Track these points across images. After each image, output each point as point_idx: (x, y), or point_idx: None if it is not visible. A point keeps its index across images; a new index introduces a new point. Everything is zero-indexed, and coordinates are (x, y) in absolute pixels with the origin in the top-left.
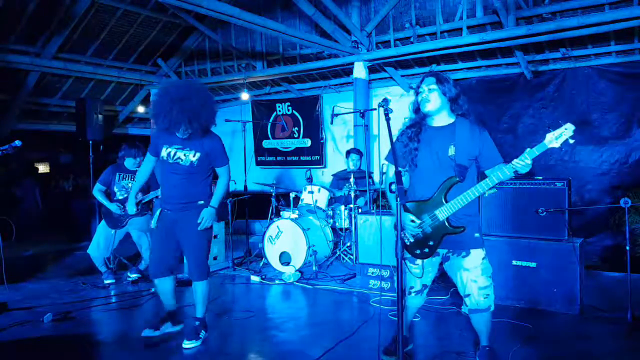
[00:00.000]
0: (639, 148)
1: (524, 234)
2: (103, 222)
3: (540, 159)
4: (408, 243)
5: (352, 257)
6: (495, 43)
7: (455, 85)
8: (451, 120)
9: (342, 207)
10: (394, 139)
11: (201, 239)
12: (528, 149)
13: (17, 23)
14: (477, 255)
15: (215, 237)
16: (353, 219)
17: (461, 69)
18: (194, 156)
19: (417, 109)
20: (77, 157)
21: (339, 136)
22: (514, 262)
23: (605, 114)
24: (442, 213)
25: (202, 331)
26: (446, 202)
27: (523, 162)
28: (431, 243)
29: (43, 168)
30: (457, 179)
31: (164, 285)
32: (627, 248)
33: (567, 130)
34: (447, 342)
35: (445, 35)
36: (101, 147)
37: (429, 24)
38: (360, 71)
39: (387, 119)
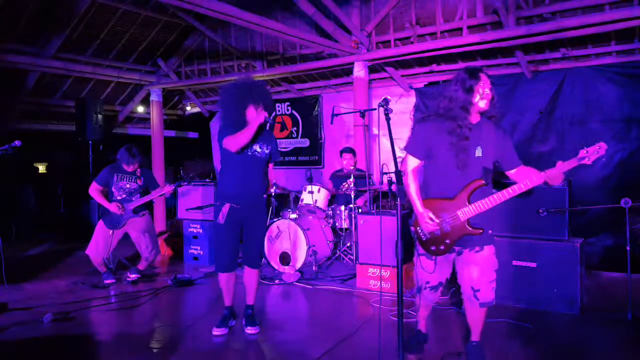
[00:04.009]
0: (639, 148)
1: (524, 234)
2: (101, 222)
3: (544, 159)
4: (424, 239)
5: (352, 257)
6: (495, 43)
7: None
8: (477, 119)
9: (342, 207)
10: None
11: (265, 227)
12: (559, 162)
13: (17, 23)
14: (489, 251)
15: None
16: (353, 219)
17: (461, 69)
18: (267, 149)
19: (470, 102)
20: (77, 157)
21: (338, 136)
22: (514, 262)
23: (606, 115)
24: (465, 214)
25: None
26: (469, 203)
27: (556, 176)
28: (448, 241)
29: (42, 168)
30: (484, 182)
31: (232, 279)
32: (628, 248)
33: (600, 150)
34: (447, 342)
35: (445, 35)
36: (101, 147)
37: (429, 24)
38: (360, 71)
39: (387, 119)
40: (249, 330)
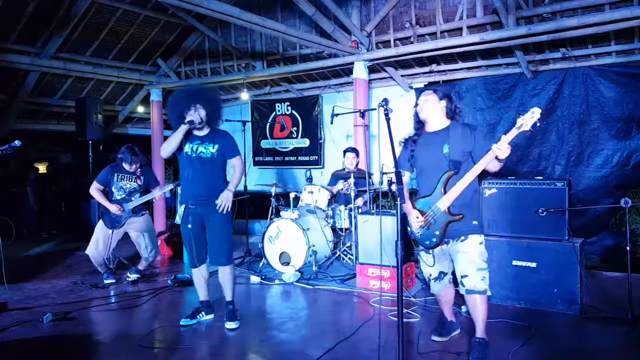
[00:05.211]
0: (639, 148)
1: (524, 234)
2: (101, 222)
3: (544, 159)
4: (419, 236)
5: (352, 257)
6: (495, 43)
7: (452, 99)
8: (446, 124)
9: (342, 207)
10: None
11: (225, 224)
12: (503, 135)
13: (17, 23)
14: (474, 240)
15: None
16: (353, 219)
17: (461, 69)
18: (213, 148)
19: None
20: (77, 157)
21: (338, 136)
22: (514, 262)
23: (606, 114)
24: (443, 204)
25: (237, 313)
26: (445, 193)
27: (502, 147)
28: (437, 233)
29: (42, 168)
30: (453, 171)
31: (201, 273)
32: (628, 248)
33: (534, 114)
34: (447, 342)
35: (445, 35)
36: (101, 147)
37: (429, 24)
38: (360, 71)
39: (387, 119)
40: (228, 324)
